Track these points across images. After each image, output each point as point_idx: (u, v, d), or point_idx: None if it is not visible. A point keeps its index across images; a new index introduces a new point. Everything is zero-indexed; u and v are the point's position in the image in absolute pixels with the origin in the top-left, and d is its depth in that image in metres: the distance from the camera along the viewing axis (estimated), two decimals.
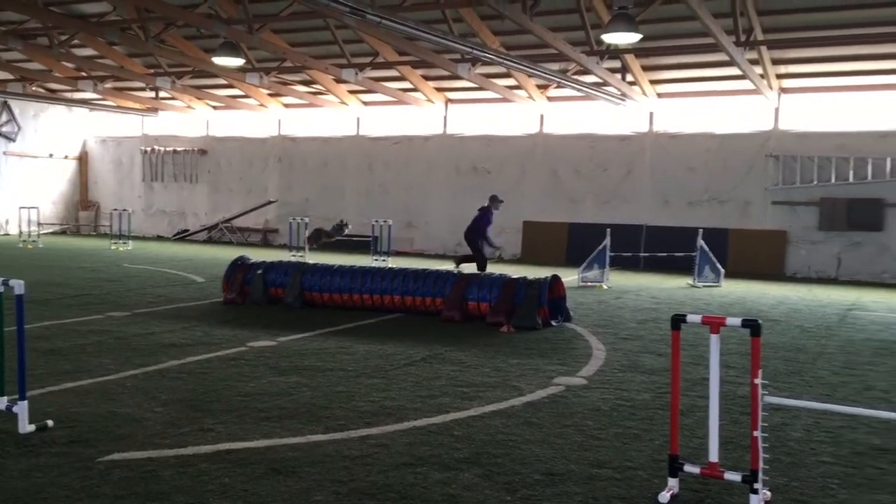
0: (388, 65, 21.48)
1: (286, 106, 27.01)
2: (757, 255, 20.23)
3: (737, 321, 4.36)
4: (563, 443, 5.39)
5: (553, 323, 10.62)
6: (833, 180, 19.52)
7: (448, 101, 24.60)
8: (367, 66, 21.07)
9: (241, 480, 4.52)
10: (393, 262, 18.76)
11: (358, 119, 26.20)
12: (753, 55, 18.16)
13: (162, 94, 27.19)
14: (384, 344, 8.93)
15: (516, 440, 5.42)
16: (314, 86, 24.66)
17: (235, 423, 5.65)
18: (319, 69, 21.51)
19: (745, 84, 19.07)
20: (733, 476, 4.36)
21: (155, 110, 29.19)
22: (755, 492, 4.22)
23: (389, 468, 4.78)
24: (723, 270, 17.40)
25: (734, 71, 17.98)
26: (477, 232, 15.78)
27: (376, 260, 19.95)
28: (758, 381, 4.28)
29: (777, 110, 20.39)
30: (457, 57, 19.17)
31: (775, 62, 19.16)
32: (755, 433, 4.23)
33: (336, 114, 26.23)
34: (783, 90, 20.25)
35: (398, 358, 8.17)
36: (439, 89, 24.13)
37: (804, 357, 8.90)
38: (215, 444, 5.15)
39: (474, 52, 16.27)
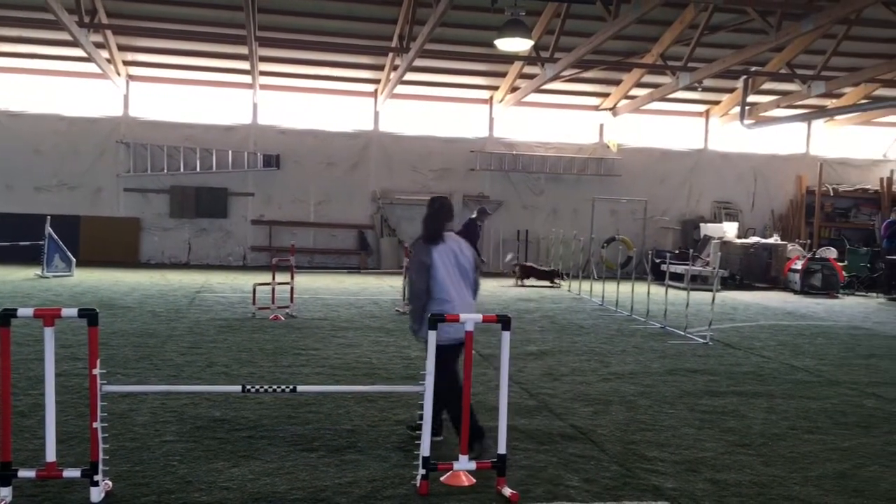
0: None
1: None
2: (111, 243, 19.99)
3: (73, 312, 4.23)
4: None
5: None
6: (182, 169, 20.41)
7: None
8: None
9: None
10: None
11: None
12: (100, 38, 17.80)
13: None
14: None
15: None
16: None
17: None
18: None
19: (93, 67, 18.58)
20: (73, 472, 4.23)
21: None
22: (96, 484, 4.16)
23: None
24: (74, 259, 16.82)
25: (80, 52, 17.33)
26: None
27: None
28: (96, 371, 4.23)
29: (126, 97, 20.35)
30: None
31: (122, 48, 19.09)
32: (94, 425, 4.17)
33: None
34: (132, 77, 20.31)
35: None
36: None
37: (154, 341, 9.12)
38: None
39: None
